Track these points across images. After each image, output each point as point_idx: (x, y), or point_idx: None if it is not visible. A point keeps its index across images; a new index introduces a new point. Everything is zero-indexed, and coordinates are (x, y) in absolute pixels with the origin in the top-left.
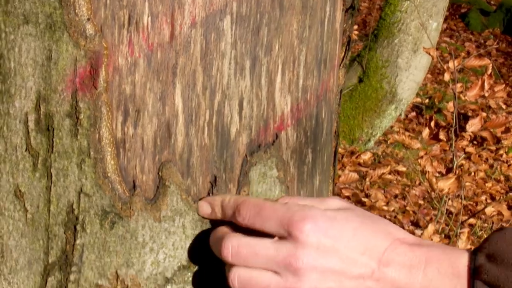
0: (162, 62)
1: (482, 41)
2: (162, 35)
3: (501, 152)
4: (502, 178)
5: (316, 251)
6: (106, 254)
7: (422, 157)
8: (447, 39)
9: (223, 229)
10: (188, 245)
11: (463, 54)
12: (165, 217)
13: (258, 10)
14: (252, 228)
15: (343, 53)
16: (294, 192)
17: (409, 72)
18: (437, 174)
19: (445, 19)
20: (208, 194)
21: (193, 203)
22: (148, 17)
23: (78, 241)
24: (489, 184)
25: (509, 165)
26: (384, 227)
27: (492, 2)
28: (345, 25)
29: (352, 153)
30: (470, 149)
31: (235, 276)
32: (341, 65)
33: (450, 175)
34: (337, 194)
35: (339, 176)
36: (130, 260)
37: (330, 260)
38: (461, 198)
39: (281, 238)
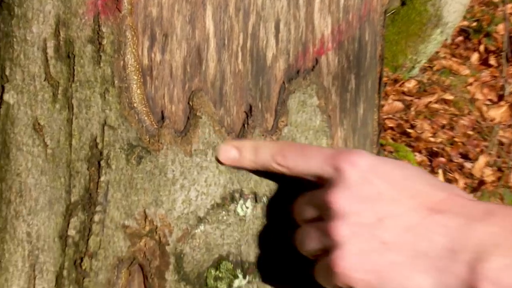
0: None
1: None
2: None
3: None
4: None
5: (358, 187)
6: (133, 192)
7: (471, 84)
8: None
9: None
10: (222, 181)
11: None
12: (196, 150)
13: None
14: (294, 171)
15: None
16: (337, 121)
17: None
18: (488, 102)
19: None
20: (243, 125)
21: (227, 135)
22: None
23: (102, 178)
24: None
25: None
26: (441, 183)
27: None
28: None
29: (396, 81)
30: None
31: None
32: None
33: (502, 103)
34: (381, 124)
35: (382, 106)
36: (159, 198)
37: (372, 202)
38: None
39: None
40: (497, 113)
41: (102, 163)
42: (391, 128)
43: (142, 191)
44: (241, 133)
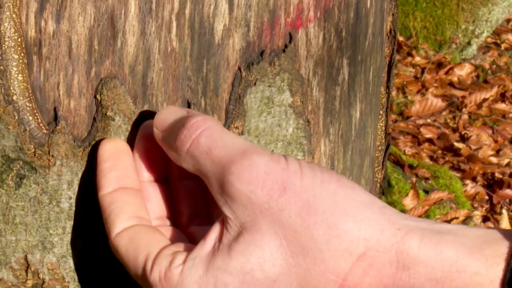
0: None
1: None
2: None
3: None
4: None
5: None
6: (10, 229)
7: None
8: None
9: None
10: None
11: None
12: None
13: None
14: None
15: None
16: (320, 129)
17: None
18: None
19: None
20: None
21: None
22: None
23: None
24: None
25: None
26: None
27: None
28: None
29: (440, 65)
30: None
31: None
32: None
33: None
34: (412, 134)
35: (412, 104)
36: (48, 239)
37: None
38: None
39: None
40: None
41: None
42: (429, 140)
43: (22, 227)
44: None
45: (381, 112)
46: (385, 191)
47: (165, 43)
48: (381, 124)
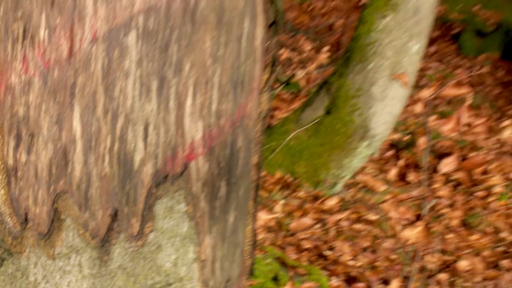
0: (59, 81)
1: (476, 67)
2: (60, 51)
3: (490, 199)
4: (490, 229)
5: None
6: None
7: (388, 201)
8: (436, 64)
9: None
10: (85, 286)
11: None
12: (59, 254)
13: (167, 24)
14: None
15: (267, 75)
16: (205, 229)
17: (385, 103)
18: (405, 222)
19: (435, 41)
20: (108, 229)
21: (92, 239)
22: (45, 30)
23: None
24: (474, 237)
25: (498, 215)
26: None
27: (489, 22)
28: (267, 43)
29: (316, 198)
30: (445, 192)
31: None
32: (265, 88)
33: (419, 222)
34: (295, 245)
35: (292, 223)
36: None
37: None
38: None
39: None
40: (412, 233)
41: None
42: (307, 249)
43: None
44: (106, 238)
45: (249, 218)
46: (252, 271)
47: (101, 169)
48: (250, 226)
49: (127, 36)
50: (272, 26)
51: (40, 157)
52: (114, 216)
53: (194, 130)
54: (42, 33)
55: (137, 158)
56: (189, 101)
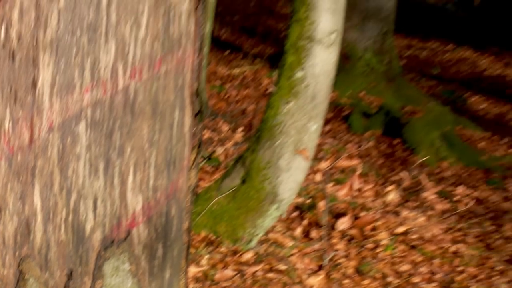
0: (22, 164)
1: (364, 142)
2: (22, 139)
3: (378, 250)
4: (379, 275)
5: None
6: None
7: (295, 254)
8: (330, 140)
9: None
10: None
11: (345, 154)
12: None
13: (111, 115)
14: None
15: (194, 155)
16: (146, 284)
17: (290, 173)
18: (310, 271)
19: (329, 121)
20: (65, 286)
21: None
22: (9, 122)
23: None
24: (366, 281)
25: (385, 263)
26: None
27: (373, 105)
28: (194, 129)
29: (235, 252)
30: (341, 246)
31: None
32: (193, 165)
33: (320, 271)
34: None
35: (216, 274)
36: None
37: None
38: None
39: None
40: (315, 280)
41: None
42: None
43: None
44: None
45: (181, 273)
46: None
47: (58, 236)
48: (183, 281)
49: (78, 126)
50: (198, 114)
51: (7, 227)
52: (70, 275)
53: (135, 202)
54: (7, 124)
55: (88, 226)
56: (130, 178)
